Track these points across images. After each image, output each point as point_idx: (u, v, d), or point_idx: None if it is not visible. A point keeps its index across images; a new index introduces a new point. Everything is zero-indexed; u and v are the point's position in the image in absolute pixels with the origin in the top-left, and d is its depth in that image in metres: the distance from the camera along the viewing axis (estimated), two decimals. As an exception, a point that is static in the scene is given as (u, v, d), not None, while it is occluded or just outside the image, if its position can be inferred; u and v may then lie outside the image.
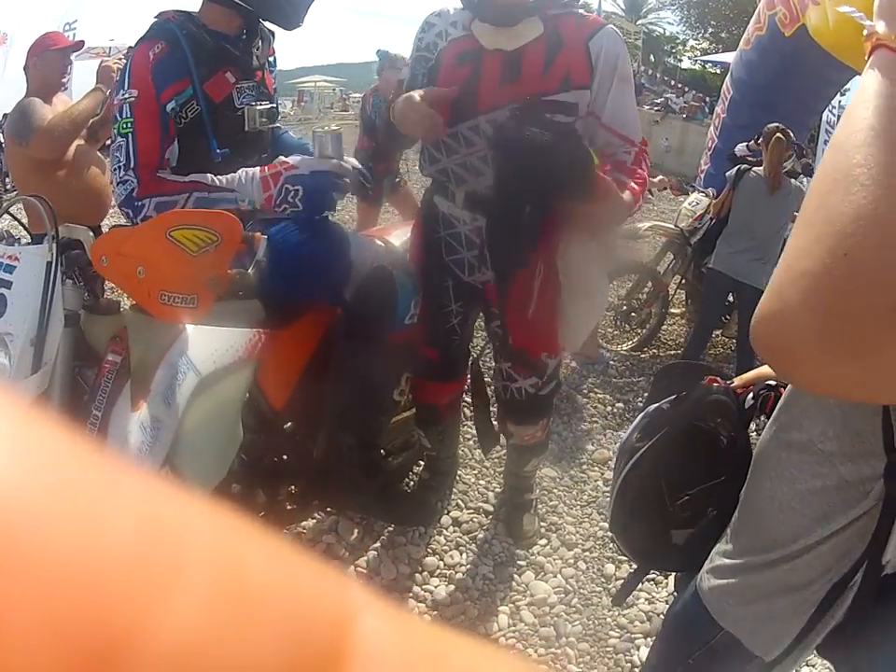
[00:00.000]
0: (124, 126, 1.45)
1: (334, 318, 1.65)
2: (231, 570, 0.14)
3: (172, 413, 1.28)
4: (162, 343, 1.31)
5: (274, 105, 1.68)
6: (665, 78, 19.88)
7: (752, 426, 0.98)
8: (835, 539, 0.71)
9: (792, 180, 3.38)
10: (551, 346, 1.79)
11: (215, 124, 1.53)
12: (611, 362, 3.62)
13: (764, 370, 1.03)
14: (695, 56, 26.05)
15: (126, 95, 1.45)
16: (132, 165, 1.44)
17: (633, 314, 4.05)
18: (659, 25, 29.14)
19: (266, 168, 1.49)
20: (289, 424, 1.65)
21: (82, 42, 3.09)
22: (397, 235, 1.93)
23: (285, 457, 1.66)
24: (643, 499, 0.94)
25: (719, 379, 1.04)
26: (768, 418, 0.87)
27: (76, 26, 14.62)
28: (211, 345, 1.37)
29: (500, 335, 1.78)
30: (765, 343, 0.55)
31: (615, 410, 3.06)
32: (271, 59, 1.71)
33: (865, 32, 0.55)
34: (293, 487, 1.69)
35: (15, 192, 9.21)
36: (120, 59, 2.65)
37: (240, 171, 1.49)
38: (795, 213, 3.43)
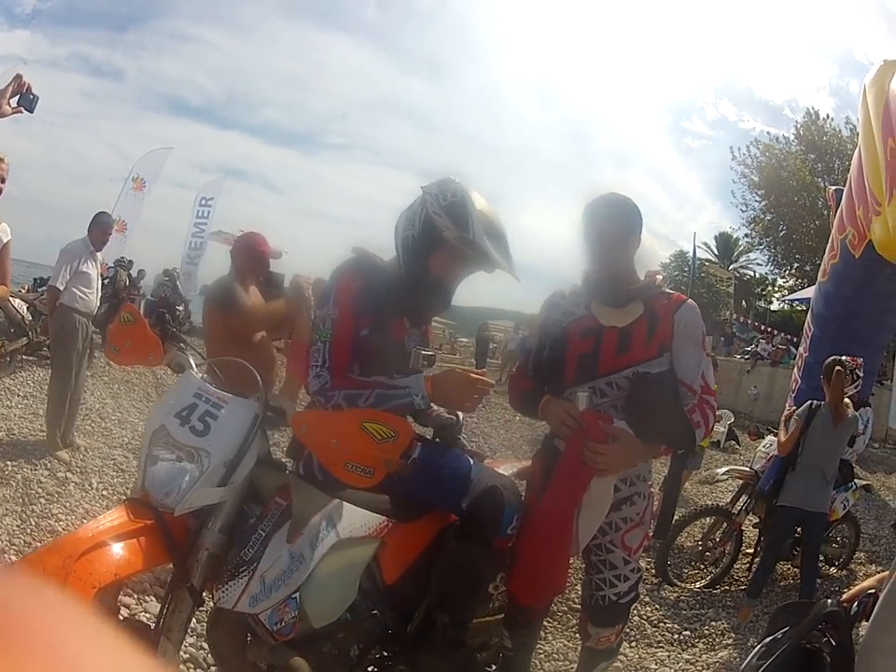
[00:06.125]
0: (324, 335, 1.85)
1: (449, 522, 2.02)
2: None
3: (313, 555, 1.71)
4: (318, 505, 1.77)
5: (433, 354, 2.03)
6: (756, 324, 20.04)
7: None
8: None
9: (849, 410, 3.57)
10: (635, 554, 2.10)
11: (391, 357, 1.90)
12: (682, 597, 3.73)
13: (867, 582, 1.32)
14: (783, 296, 25.90)
15: (330, 312, 1.85)
16: (326, 366, 1.83)
17: (707, 553, 4.17)
18: (749, 268, 29.35)
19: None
20: (395, 598, 1.97)
21: (281, 253, 3.83)
22: (505, 468, 2.36)
23: (383, 622, 1.97)
24: None
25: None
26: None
27: (211, 203, 16.41)
28: (351, 519, 1.81)
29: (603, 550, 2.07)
30: None
31: (682, 637, 3.16)
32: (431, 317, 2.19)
33: None
34: (385, 652, 1.99)
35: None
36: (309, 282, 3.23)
37: (411, 376, 1.88)
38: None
